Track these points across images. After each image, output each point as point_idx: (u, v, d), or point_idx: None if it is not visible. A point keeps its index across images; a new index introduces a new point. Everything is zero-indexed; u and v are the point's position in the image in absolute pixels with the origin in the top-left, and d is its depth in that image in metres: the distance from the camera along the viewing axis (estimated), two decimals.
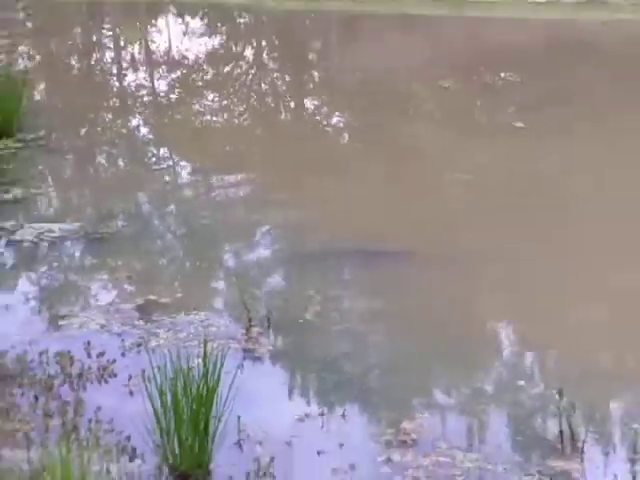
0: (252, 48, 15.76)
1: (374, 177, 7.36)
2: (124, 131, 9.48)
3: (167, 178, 7.52)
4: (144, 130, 9.54)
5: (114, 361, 4.23)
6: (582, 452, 3.52)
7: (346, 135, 9.20)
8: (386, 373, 4.21)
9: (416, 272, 5.29)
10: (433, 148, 8.34)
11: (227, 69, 13.55)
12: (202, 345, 3.51)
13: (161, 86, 12.28)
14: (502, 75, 11.84)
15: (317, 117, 10.11)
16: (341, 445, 3.60)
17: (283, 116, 10.55)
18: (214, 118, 10.11)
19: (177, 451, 3.39)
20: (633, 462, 3.29)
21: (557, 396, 3.66)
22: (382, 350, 4.49)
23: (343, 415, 3.82)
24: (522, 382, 4.12)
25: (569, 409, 3.60)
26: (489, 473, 3.42)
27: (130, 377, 4.04)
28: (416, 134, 8.80)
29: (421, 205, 6.51)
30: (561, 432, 3.59)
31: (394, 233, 6.00)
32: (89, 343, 4.40)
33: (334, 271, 5.39)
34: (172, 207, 6.82)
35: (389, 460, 3.51)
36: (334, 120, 9.94)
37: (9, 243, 5.83)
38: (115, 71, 14.04)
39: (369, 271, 5.36)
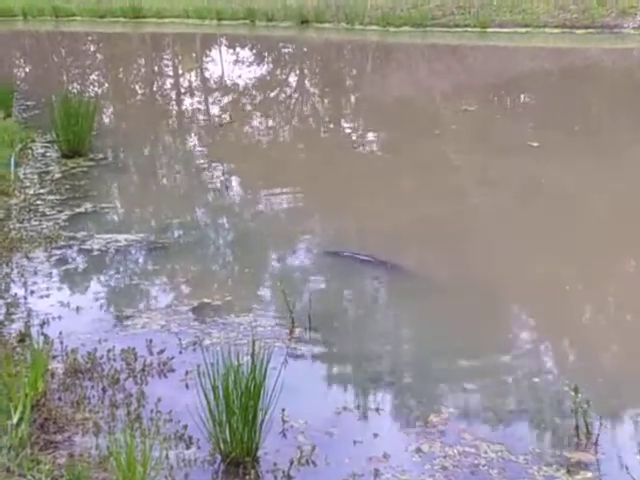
0: (295, 74, 15.80)
1: (403, 190, 7.32)
2: (182, 151, 9.55)
3: (219, 193, 7.56)
4: (199, 149, 9.60)
5: (173, 358, 4.24)
6: (596, 444, 3.45)
7: (379, 152, 9.17)
8: (416, 372, 4.17)
9: (442, 280, 5.24)
10: (456, 164, 8.27)
11: (273, 93, 13.59)
12: (250, 344, 3.49)
13: (214, 109, 12.35)
14: (520, 98, 11.73)
15: (353, 135, 10.10)
16: (375, 435, 3.57)
17: (323, 134, 10.55)
18: (262, 138, 10.14)
19: (228, 439, 3.38)
20: None
21: (573, 393, 3.58)
22: (413, 350, 4.45)
23: (377, 409, 3.79)
24: (537, 379, 4.05)
25: (584, 405, 3.52)
26: (511, 463, 3.36)
27: (187, 372, 4.05)
28: (441, 152, 8.74)
29: (444, 216, 6.46)
30: (577, 426, 3.53)
31: (420, 242, 5.96)
32: (151, 341, 4.42)
33: (370, 278, 5.36)
34: (223, 219, 6.85)
35: (419, 450, 3.47)
36: (368, 138, 9.91)
37: (80, 251, 5.89)
38: (173, 96, 14.16)
39: (401, 278, 5.32)
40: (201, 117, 11.77)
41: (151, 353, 4.30)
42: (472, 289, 5.03)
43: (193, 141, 10.07)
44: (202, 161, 8.91)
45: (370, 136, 10.05)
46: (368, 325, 4.69)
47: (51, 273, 5.48)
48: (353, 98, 13.10)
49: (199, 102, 13.23)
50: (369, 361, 4.24)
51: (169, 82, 15.84)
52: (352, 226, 6.39)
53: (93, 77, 16.12)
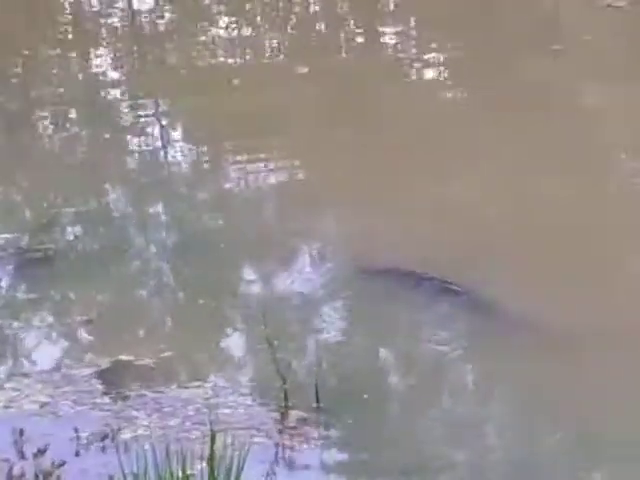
0: None
1: (484, 161, 7.36)
2: (82, 76, 9.62)
3: (151, 159, 7.64)
4: (115, 77, 9.63)
5: (63, 464, 4.28)
6: None
7: (445, 86, 9.24)
8: None
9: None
10: (589, 111, 8.35)
11: None
12: (207, 439, 3.57)
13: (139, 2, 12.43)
14: None
15: (399, 53, 10.16)
16: None
17: (344, 51, 10.62)
18: (233, 56, 10.18)
19: None
20: None
21: None
22: (492, 452, 4.55)
23: None
24: None
25: None
26: None
27: None
28: (564, 85, 8.79)
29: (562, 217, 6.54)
30: None
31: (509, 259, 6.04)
32: (21, 433, 4.48)
33: (414, 312, 5.46)
34: (158, 206, 6.91)
35: None
36: (426, 58, 9.95)
37: None
38: None
39: (472, 313, 5.41)
40: (116, 14, 11.82)
41: (23, 455, 4.35)
42: (597, 341, 5.08)
43: (103, 59, 10.13)
44: (120, 98, 8.98)
45: (430, 55, 10.08)
46: (413, 404, 4.79)
47: None
48: None
49: None
50: (414, 470, 4.32)
51: None
52: (384, 226, 6.39)
53: None
